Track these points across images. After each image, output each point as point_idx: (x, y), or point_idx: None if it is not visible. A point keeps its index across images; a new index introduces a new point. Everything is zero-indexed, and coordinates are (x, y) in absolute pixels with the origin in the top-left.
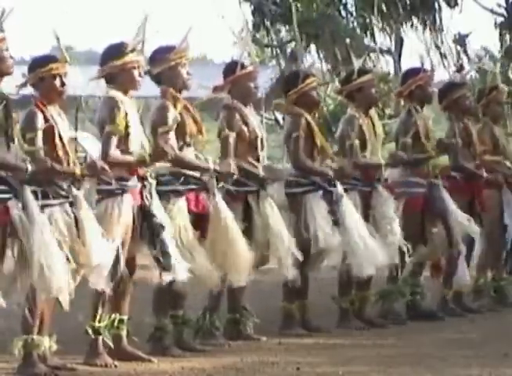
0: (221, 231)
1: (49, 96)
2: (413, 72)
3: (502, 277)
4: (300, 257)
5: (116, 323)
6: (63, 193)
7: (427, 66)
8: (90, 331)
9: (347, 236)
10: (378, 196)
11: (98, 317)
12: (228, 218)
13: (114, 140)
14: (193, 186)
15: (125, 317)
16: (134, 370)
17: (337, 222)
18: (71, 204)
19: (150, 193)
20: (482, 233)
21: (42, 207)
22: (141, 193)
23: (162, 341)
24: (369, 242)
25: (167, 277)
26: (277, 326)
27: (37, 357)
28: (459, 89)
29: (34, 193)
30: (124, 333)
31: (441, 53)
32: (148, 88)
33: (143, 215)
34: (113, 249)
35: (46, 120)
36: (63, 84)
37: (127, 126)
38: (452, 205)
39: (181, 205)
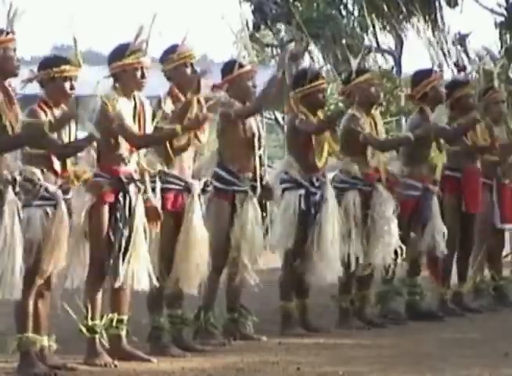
0: (185, 235)
1: (56, 97)
2: (425, 74)
3: (501, 277)
4: (260, 264)
5: (114, 323)
6: (47, 195)
7: (436, 66)
8: (84, 330)
9: (321, 239)
10: (378, 196)
11: (89, 315)
12: (196, 224)
13: (126, 122)
14: (173, 186)
15: (124, 317)
16: (134, 370)
17: (311, 223)
18: (55, 207)
19: (128, 194)
20: (476, 233)
21: (23, 206)
22: (117, 190)
23: (160, 340)
24: (335, 251)
25: (116, 283)
26: (277, 326)
27: (37, 356)
28: (462, 88)
29: (17, 194)
30: (123, 333)
31: (443, 53)
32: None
33: (115, 214)
34: (80, 250)
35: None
36: (72, 87)
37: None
38: (436, 217)
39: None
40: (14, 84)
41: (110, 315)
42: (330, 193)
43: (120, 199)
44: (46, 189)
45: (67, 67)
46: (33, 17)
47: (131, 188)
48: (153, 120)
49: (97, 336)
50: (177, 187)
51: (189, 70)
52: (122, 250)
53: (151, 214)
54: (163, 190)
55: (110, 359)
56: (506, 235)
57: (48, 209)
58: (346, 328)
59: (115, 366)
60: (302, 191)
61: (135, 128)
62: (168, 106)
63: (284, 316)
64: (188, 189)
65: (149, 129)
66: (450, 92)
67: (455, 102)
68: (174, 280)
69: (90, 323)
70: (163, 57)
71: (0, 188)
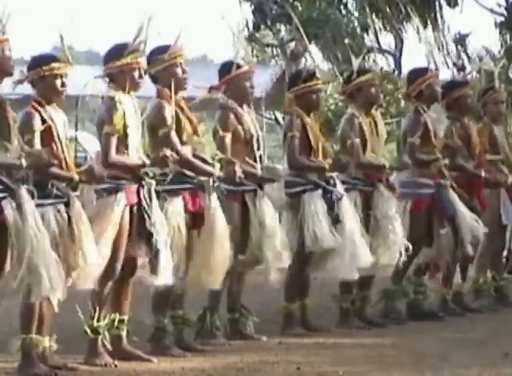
0: (208, 232)
1: (48, 95)
2: (420, 72)
3: (502, 277)
4: (286, 261)
5: (116, 323)
6: (59, 193)
7: (432, 65)
8: (88, 331)
9: (343, 237)
10: (379, 195)
11: (96, 317)
12: (217, 220)
13: (113, 141)
14: (190, 186)
15: (125, 317)
16: (134, 370)
17: (335, 221)
18: (66, 205)
19: (148, 193)
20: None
21: (37, 206)
22: (138, 192)
23: (162, 342)
24: (359, 245)
25: (153, 281)
26: (277, 326)
27: (38, 357)
28: (461, 88)
29: (31, 192)
30: (124, 333)
31: (443, 53)
32: (148, 88)
33: (139, 215)
34: (104, 250)
35: (43, 120)
36: (63, 84)
37: (125, 126)
38: (460, 206)
39: (176, 205)
40: (5, 84)
41: (113, 315)
42: (341, 188)
43: (142, 199)
44: (57, 188)
45: (57, 65)
46: (33, 17)
47: (150, 185)
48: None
49: (100, 337)
50: (192, 186)
51: (179, 70)
52: (159, 247)
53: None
54: (182, 191)
55: (111, 359)
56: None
57: (60, 207)
58: (346, 328)
59: (115, 366)
60: (320, 191)
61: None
62: (169, 112)
63: (286, 317)
64: (201, 187)
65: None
66: (448, 92)
67: (453, 102)
68: (194, 279)
69: (95, 324)
70: (150, 58)
71: (13, 187)
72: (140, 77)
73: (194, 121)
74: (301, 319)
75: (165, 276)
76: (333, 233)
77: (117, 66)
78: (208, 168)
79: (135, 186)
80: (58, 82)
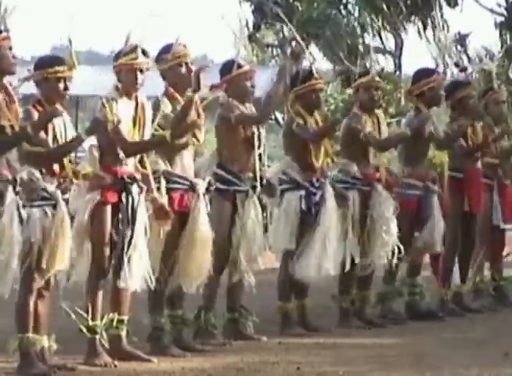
0: (191, 234)
1: (50, 97)
2: (426, 73)
3: (501, 277)
4: (260, 265)
5: (115, 323)
6: (47, 195)
7: (440, 68)
8: (84, 330)
9: (311, 237)
10: (377, 195)
11: (90, 316)
12: (201, 221)
13: (121, 128)
14: (179, 186)
15: (125, 317)
16: (134, 370)
17: (311, 223)
18: (54, 207)
19: (130, 194)
20: (476, 234)
21: (23, 207)
22: (119, 191)
23: (161, 341)
24: (327, 250)
25: (121, 284)
26: (277, 326)
27: (37, 357)
28: (464, 89)
29: (17, 193)
30: (123, 333)
31: (443, 53)
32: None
33: (117, 215)
34: (86, 248)
35: None
36: (66, 88)
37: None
38: (437, 215)
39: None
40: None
41: (111, 315)
42: (330, 193)
43: (123, 199)
44: (45, 190)
45: (61, 68)
46: (33, 17)
47: (134, 188)
48: (153, 121)
49: (97, 336)
50: (182, 187)
51: (183, 70)
52: (125, 250)
53: (159, 213)
54: (169, 190)
55: (110, 359)
56: (507, 235)
57: (47, 209)
58: (346, 328)
59: (115, 366)
60: (302, 192)
61: (129, 133)
62: (167, 107)
63: (283, 317)
64: (192, 188)
65: (149, 131)
66: (451, 93)
67: (456, 102)
68: (177, 280)
69: (91, 323)
70: (157, 57)
71: (0, 188)
72: (136, 78)
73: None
74: (301, 320)
75: (128, 280)
76: (302, 235)
77: (116, 65)
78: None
79: (117, 185)
80: (61, 85)
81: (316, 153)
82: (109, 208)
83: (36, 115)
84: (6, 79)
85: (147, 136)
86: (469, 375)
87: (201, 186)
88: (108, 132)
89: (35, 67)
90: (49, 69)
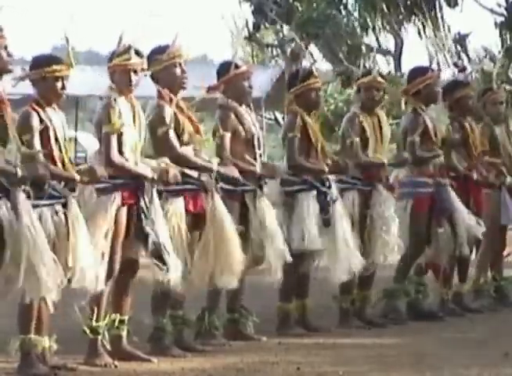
0: (216, 232)
1: (47, 97)
2: (421, 71)
3: (502, 277)
4: (289, 258)
5: (116, 324)
6: (56, 194)
7: (435, 66)
8: (88, 331)
9: (333, 239)
10: (378, 195)
11: (95, 317)
12: (225, 219)
13: (114, 140)
14: (191, 187)
15: (126, 317)
16: (134, 371)
17: (327, 223)
18: (64, 205)
19: (148, 193)
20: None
21: (33, 206)
22: (136, 192)
23: (162, 341)
24: (350, 248)
25: (164, 277)
26: (277, 326)
27: (37, 357)
28: (463, 89)
29: (27, 193)
30: (124, 333)
31: (444, 53)
32: (148, 88)
33: (137, 215)
34: (100, 250)
35: (41, 121)
36: (63, 87)
37: (120, 126)
38: (459, 205)
39: (177, 206)
40: (5, 82)
41: (113, 315)
42: (336, 191)
43: (141, 199)
44: (54, 188)
45: (58, 67)
46: (33, 17)
47: (148, 187)
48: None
49: (99, 337)
50: (194, 187)
51: (178, 70)
52: (162, 248)
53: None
54: (183, 191)
55: (111, 359)
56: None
57: (57, 207)
58: (346, 328)
59: (115, 366)
60: (314, 192)
61: (130, 133)
62: (168, 112)
63: (282, 317)
64: (204, 187)
65: (145, 132)
66: (450, 93)
67: (454, 102)
68: (199, 279)
69: (94, 324)
70: (150, 58)
71: (9, 188)
72: (130, 78)
73: (195, 121)
74: (302, 320)
75: (174, 271)
76: (321, 235)
77: (110, 66)
78: (207, 163)
79: (133, 185)
80: (58, 84)
81: (315, 153)
82: (125, 210)
83: (35, 116)
84: (2, 79)
85: (143, 137)
86: (469, 375)
87: (212, 183)
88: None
89: (32, 66)
90: (47, 68)
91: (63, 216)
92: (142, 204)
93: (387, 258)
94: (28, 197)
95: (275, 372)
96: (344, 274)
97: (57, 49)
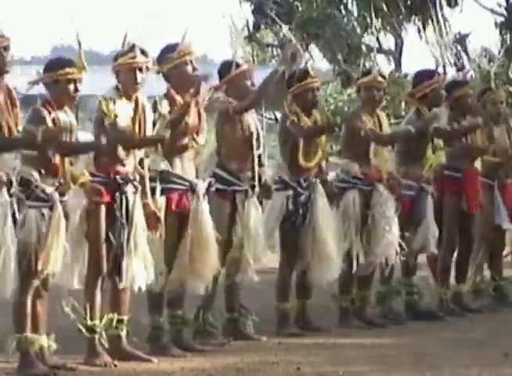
0: (194, 235)
1: (60, 99)
2: (428, 75)
3: (501, 277)
4: (253, 265)
5: (114, 323)
6: (44, 196)
7: (440, 69)
8: (83, 330)
9: (314, 240)
10: (378, 195)
11: (88, 315)
12: (206, 223)
13: (118, 123)
14: (178, 187)
15: (124, 317)
16: (133, 371)
17: (300, 223)
18: (50, 209)
19: (124, 194)
20: (476, 233)
21: (20, 207)
22: (113, 192)
23: (160, 340)
24: (331, 251)
25: (120, 284)
26: (276, 325)
27: (37, 357)
28: (461, 88)
29: (15, 195)
30: (123, 333)
31: (443, 53)
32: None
33: (113, 215)
34: (83, 249)
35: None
36: (76, 89)
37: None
38: (429, 217)
39: (159, 204)
40: (19, 85)
41: (110, 315)
42: (320, 193)
43: (117, 199)
44: (43, 191)
45: (71, 70)
46: (33, 17)
47: (129, 188)
48: (154, 123)
49: (96, 336)
50: (181, 187)
51: (189, 68)
52: (123, 250)
53: (150, 220)
54: (167, 190)
55: (110, 359)
56: (507, 235)
57: (44, 210)
58: (346, 328)
59: (115, 366)
60: (290, 192)
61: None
62: (165, 108)
63: (280, 317)
64: (192, 189)
65: (150, 132)
66: (449, 93)
67: (454, 102)
68: (179, 281)
69: (89, 323)
70: (160, 57)
71: None
72: (135, 77)
73: (201, 123)
74: (302, 320)
75: (128, 280)
76: (302, 236)
77: (115, 66)
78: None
79: (110, 185)
80: (71, 87)
81: (309, 152)
82: (103, 208)
83: (46, 114)
84: (12, 83)
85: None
86: (469, 375)
87: (201, 186)
88: (106, 130)
89: (45, 69)
90: (60, 71)
91: (47, 220)
92: (115, 205)
93: (390, 258)
94: (12, 196)
95: (275, 372)
96: (330, 274)
97: (57, 49)
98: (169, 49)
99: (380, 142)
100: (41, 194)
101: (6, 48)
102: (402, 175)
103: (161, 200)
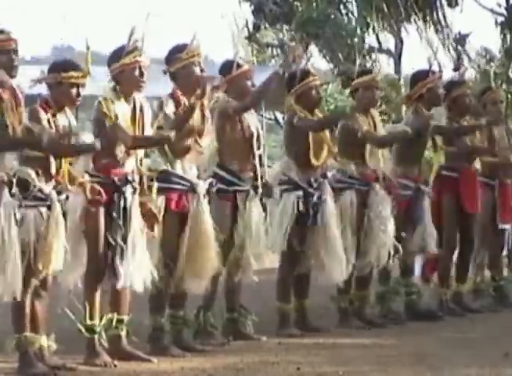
0: (194, 235)
1: (61, 102)
2: (422, 75)
3: (501, 277)
4: (269, 262)
5: (114, 323)
6: (42, 196)
7: (435, 67)
8: (83, 330)
9: (324, 241)
10: (375, 195)
11: (88, 315)
12: (206, 224)
13: (120, 126)
14: (178, 186)
15: (124, 317)
16: (133, 371)
17: (312, 223)
18: (49, 208)
19: (122, 195)
20: (476, 233)
21: (18, 207)
22: (111, 193)
23: (161, 341)
24: (341, 251)
25: (118, 284)
26: (277, 326)
27: (36, 357)
28: (458, 88)
29: (14, 194)
30: (123, 333)
31: (444, 53)
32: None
33: (110, 216)
34: (82, 249)
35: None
36: (78, 94)
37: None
38: (427, 218)
39: (158, 203)
40: (19, 84)
41: (110, 315)
42: (329, 193)
43: (115, 200)
44: (41, 190)
45: (76, 74)
46: (33, 17)
47: (127, 188)
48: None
49: (96, 336)
50: (181, 187)
51: (197, 69)
52: (120, 250)
53: (148, 218)
54: (167, 190)
55: (110, 359)
56: (507, 235)
57: (43, 210)
58: (346, 328)
59: (115, 366)
60: (300, 193)
61: (129, 130)
62: (170, 109)
63: (281, 317)
64: (192, 189)
65: (149, 132)
66: (447, 93)
67: (452, 102)
68: (179, 281)
69: (89, 323)
70: (169, 57)
71: None
72: (141, 75)
73: (205, 125)
74: (301, 320)
75: (126, 280)
76: (311, 236)
77: (117, 67)
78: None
79: (109, 185)
80: (73, 91)
81: (317, 151)
82: (101, 209)
83: (43, 115)
84: (17, 82)
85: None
86: (469, 375)
87: (202, 187)
88: (106, 131)
89: (49, 70)
90: (64, 73)
91: (46, 218)
92: (113, 205)
93: (383, 258)
94: (13, 196)
95: (275, 372)
96: (341, 274)
97: (57, 49)
98: (178, 49)
99: (378, 144)
100: (39, 194)
101: (16, 52)
102: (400, 176)
103: (160, 200)
